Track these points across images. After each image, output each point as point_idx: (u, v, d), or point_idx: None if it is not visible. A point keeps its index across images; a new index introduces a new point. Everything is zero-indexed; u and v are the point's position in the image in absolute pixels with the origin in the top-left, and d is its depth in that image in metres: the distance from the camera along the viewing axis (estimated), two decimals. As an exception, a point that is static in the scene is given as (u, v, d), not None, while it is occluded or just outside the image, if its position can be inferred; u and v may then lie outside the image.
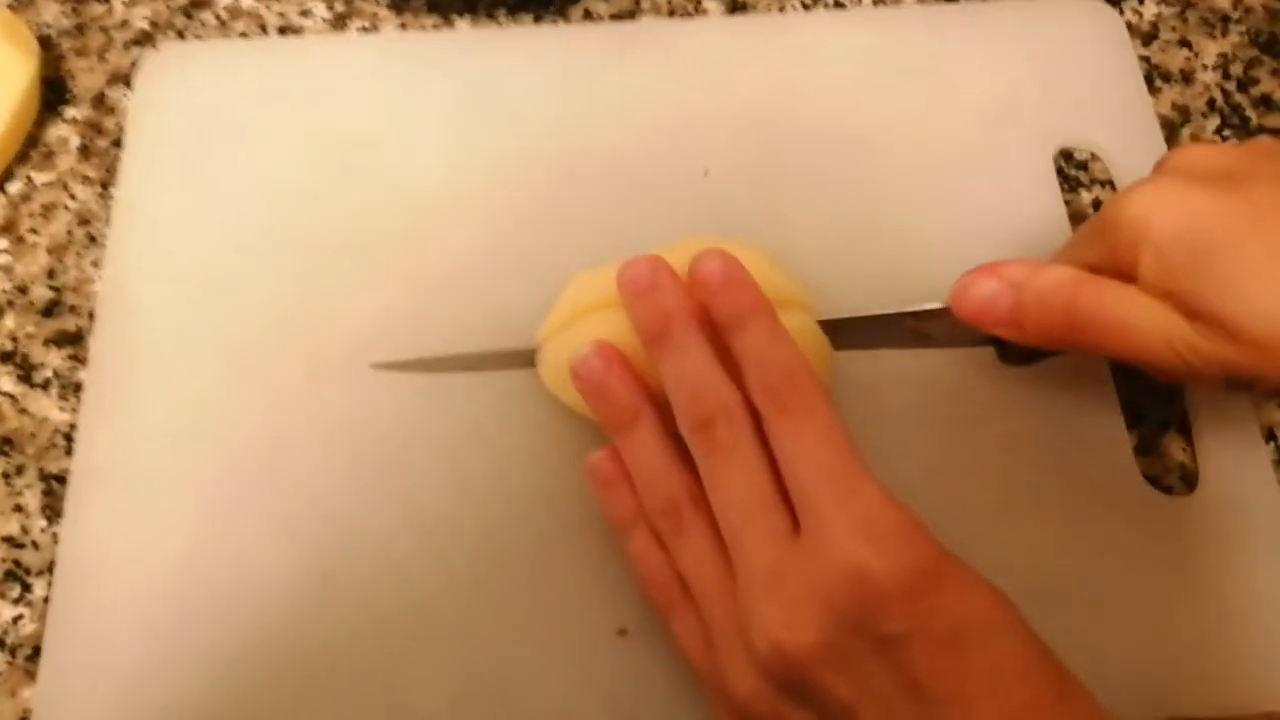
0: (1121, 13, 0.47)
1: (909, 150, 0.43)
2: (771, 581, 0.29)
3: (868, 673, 0.28)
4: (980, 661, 0.28)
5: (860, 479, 0.30)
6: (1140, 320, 0.32)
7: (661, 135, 0.43)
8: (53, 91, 0.46)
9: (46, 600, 0.36)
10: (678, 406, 0.32)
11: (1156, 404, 0.40)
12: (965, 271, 0.35)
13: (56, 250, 0.43)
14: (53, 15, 0.48)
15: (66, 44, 0.47)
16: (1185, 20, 0.48)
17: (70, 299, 0.42)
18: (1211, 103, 0.46)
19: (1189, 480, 0.38)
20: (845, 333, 0.37)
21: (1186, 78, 0.47)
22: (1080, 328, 0.33)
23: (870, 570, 0.28)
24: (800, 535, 0.30)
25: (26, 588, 0.37)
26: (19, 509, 0.38)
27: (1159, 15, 0.48)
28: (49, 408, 0.40)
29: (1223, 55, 0.47)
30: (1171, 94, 0.46)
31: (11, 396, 0.40)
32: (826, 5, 0.48)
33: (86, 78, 0.46)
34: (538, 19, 0.47)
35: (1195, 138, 0.45)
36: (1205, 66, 0.47)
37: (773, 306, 0.33)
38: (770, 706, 0.30)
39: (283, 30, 0.47)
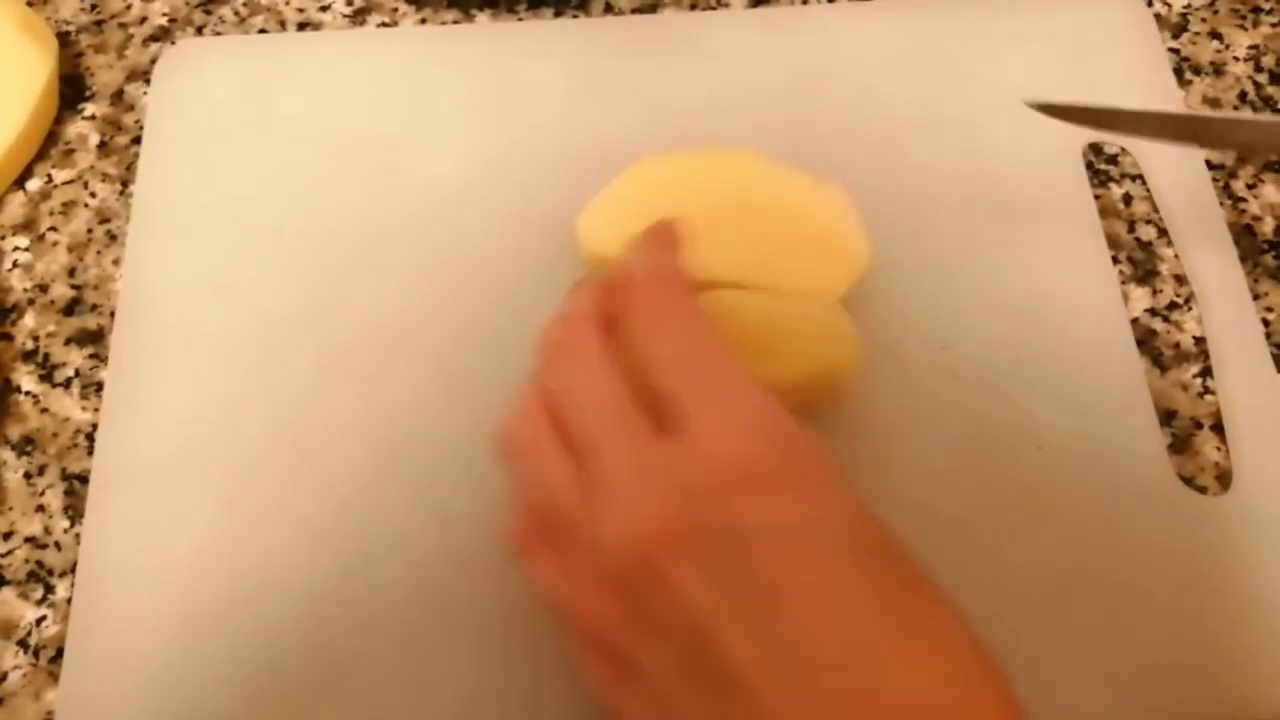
0: (1150, 4, 0.47)
1: (935, 144, 0.43)
2: (628, 479, 0.27)
3: (723, 572, 0.26)
4: (840, 578, 0.25)
5: (726, 370, 0.28)
6: None
7: (683, 129, 0.43)
8: (71, 88, 0.46)
9: (69, 601, 0.36)
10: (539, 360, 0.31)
11: (1190, 401, 0.39)
12: None
13: (77, 248, 0.42)
14: (71, 11, 0.47)
15: (85, 40, 0.47)
16: (1215, 11, 0.47)
17: (91, 297, 0.41)
18: (1243, 95, 0.45)
19: (1224, 480, 0.38)
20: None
21: (1217, 70, 0.46)
22: None
23: (729, 457, 0.26)
24: (662, 434, 0.28)
25: (49, 589, 0.37)
26: (41, 509, 0.38)
27: (1188, 7, 0.47)
28: (70, 407, 0.39)
29: (1254, 47, 0.46)
30: (1202, 86, 0.46)
31: (33, 396, 0.40)
32: (850, -2, 0.47)
33: (105, 74, 0.46)
34: (558, 13, 0.47)
35: (1227, 131, 0.44)
36: (1236, 59, 0.46)
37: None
38: (623, 634, 0.27)
39: (301, 25, 0.47)
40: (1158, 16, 0.46)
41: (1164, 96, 0.44)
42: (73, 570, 0.36)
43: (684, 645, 0.26)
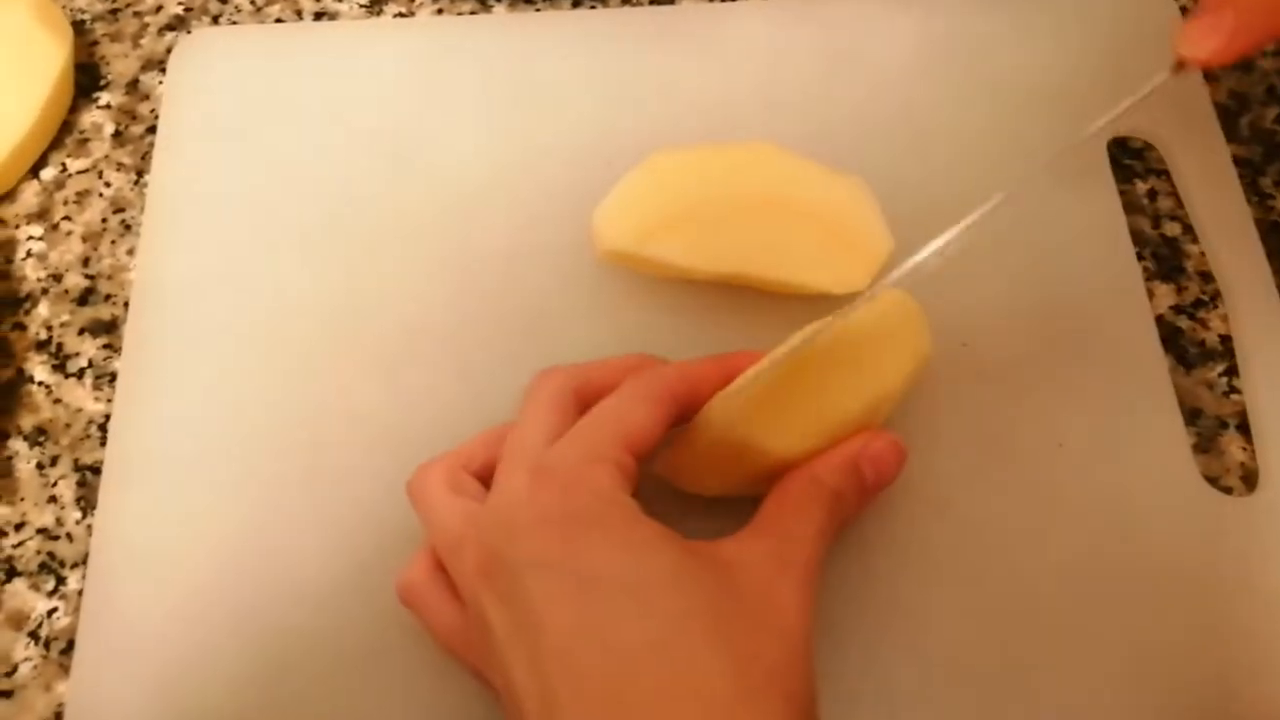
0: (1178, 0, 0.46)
1: (956, 138, 0.42)
2: (484, 509, 0.31)
3: (509, 602, 0.28)
4: (609, 622, 0.27)
5: (583, 433, 0.31)
6: None
7: (701, 121, 0.42)
8: (86, 77, 0.45)
9: (80, 593, 0.36)
10: None
11: (1215, 400, 0.38)
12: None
13: (91, 238, 0.42)
14: (86, 0, 0.47)
15: (100, 29, 0.47)
16: (1243, 5, 0.46)
17: (105, 287, 0.41)
18: (1271, 90, 0.45)
19: (1249, 480, 0.37)
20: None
21: (1244, 65, 0.45)
22: None
23: (517, 497, 0.30)
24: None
25: (61, 580, 0.36)
26: (53, 500, 0.38)
27: None
28: (84, 398, 0.39)
29: (1282, 41, 0.46)
30: (1229, 81, 0.45)
31: (46, 386, 0.39)
32: (871, -10, 0.47)
33: (120, 63, 0.46)
34: (576, 3, 0.47)
35: (1254, 126, 0.44)
36: (1264, 54, 0.45)
37: None
38: (483, 655, 0.30)
39: (318, 15, 0.47)
40: (1183, 9, 0.45)
41: (1191, 92, 0.43)
42: (84, 562, 0.36)
43: (501, 675, 0.29)
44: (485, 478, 0.33)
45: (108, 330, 0.40)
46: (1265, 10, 0.31)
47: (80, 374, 0.40)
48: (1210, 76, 0.44)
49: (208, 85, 0.44)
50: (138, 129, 0.44)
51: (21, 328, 0.40)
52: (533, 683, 0.27)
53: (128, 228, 0.42)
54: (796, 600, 0.29)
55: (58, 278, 0.41)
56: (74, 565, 0.37)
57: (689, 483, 0.34)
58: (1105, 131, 0.31)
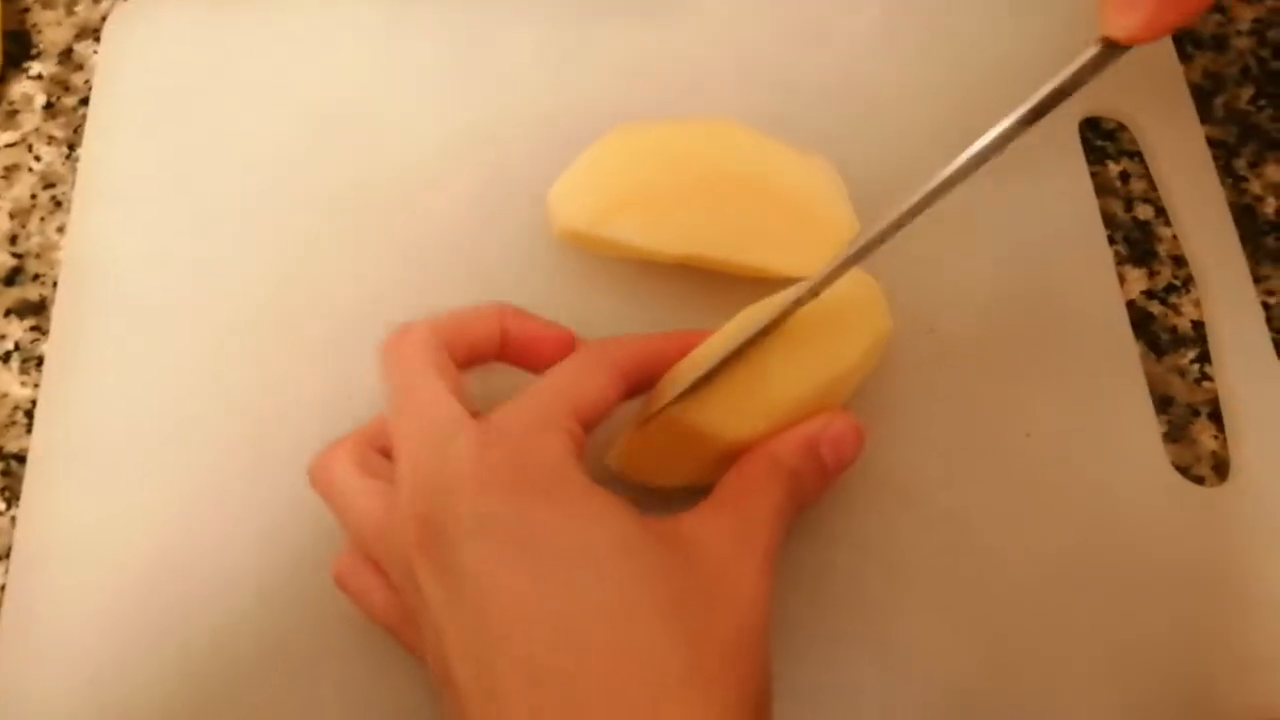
0: (1151, -26, 0.45)
1: (924, 116, 0.41)
2: (403, 481, 0.28)
3: (447, 575, 0.26)
4: (556, 592, 0.25)
5: (531, 399, 0.29)
6: None
7: (662, 98, 0.41)
8: (17, 45, 0.43)
9: (3, 589, 0.34)
10: None
11: (1187, 388, 0.37)
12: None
13: (19, 214, 0.40)
14: (17, -36, 0.45)
15: (32, -5, 0.44)
16: (1218, -17, 0.45)
17: (33, 266, 0.39)
18: (1245, 70, 0.44)
19: (1221, 470, 0.36)
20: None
21: (1219, 44, 0.44)
22: None
23: (461, 459, 0.27)
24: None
25: (-18, 574, 0.35)
26: (-25, 490, 0.36)
27: (1190, -22, 0.45)
28: (9, 382, 0.37)
29: (1258, 21, 0.45)
30: (1203, 61, 0.44)
31: (-31, 370, 0.38)
32: (839, -37, 0.45)
33: (53, 31, 0.44)
34: (533, -26, 0.45)
35: (1229, 107, 0.43)
36: (1239, 32, 0.44)
37: None
38: (418, 633, 0.28)
39: (262, -17, 0.45)
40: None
41: (1164, 71, 0.42)
42: (8, 555, 0.34)
43: (435, 652, 0.27)
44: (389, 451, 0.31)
45: (35, 312, 0.38)
46: None
47: (6, 358, 0.38)
48: (1184, 55, 0.43)
49: (145, 55, 0.42)
50: (70, 100, 0.42)
51: (-56, 309, 0.38)
52: (468, 658, 0.26)
53: (58, 204, 0.40)
54: (755, 582, 0.28)
55: (-17, 256, 0.39)
56: (-3, 559, 0.35)
57: (643, 475, 0.33)
58: (1028, 114, 0.29)
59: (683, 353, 0.32)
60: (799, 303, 0.31)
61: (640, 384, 0.32)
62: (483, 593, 0.26)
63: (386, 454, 0.31)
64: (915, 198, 0.29)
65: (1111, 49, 0.28)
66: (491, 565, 0.26)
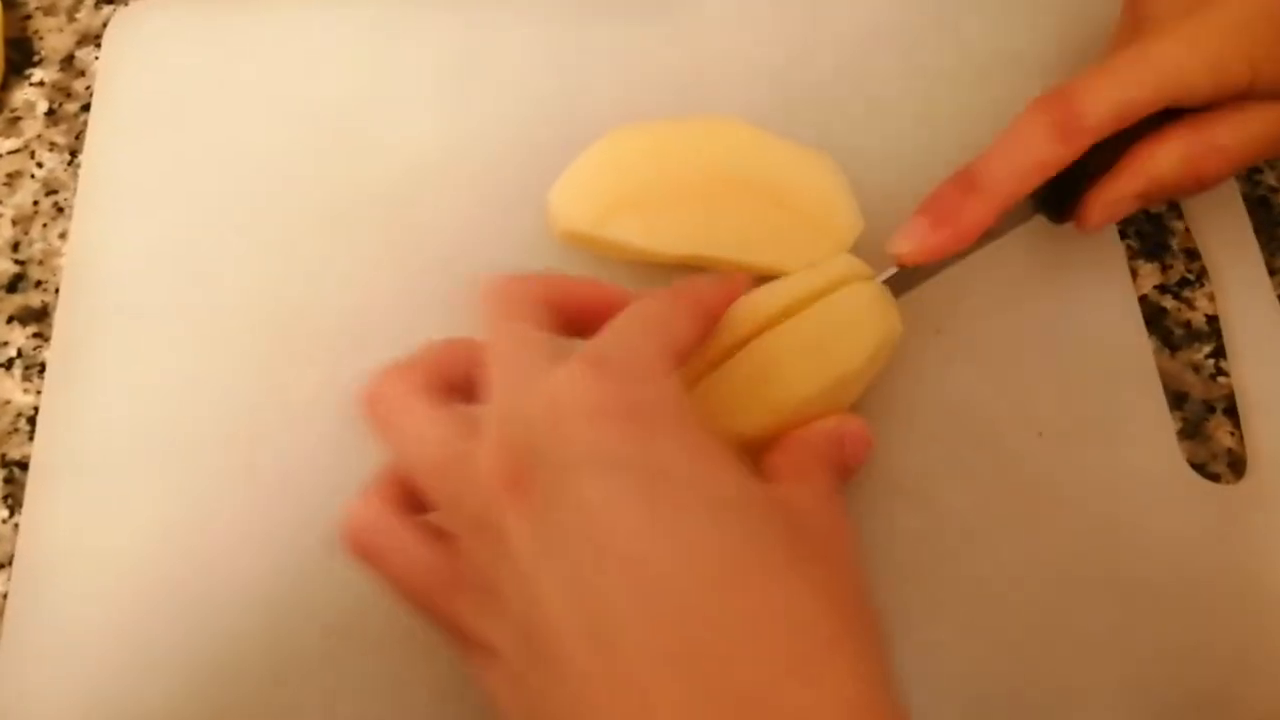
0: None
1: (929, 114, 0.40)
2: (494, 419, 0.26)
3: (552, 516, 0.23)
4: (688, 534, 0.23)
5: (632, 330, 0.27)
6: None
7: (663, 97, 0.40)
8: (19, 53, 0.43)
9: (5, 596, 0.34)
10: None
11: (1202, 384, 0.37)
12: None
13: (22, 221, 0.40)
14: (19, -28, 0.45)
15: (34, 2, 0.44)
16: (1229, -28, 0.45)
17: (36, 273, 0.39)
18: (1258, 60, 0.43)
19: (1237, 467, 0.35)
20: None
21: (1231, 34, 0.43)
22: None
23: (569, 387, 0.25)
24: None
25: (-15, 583, 0.35)
26: (-22, 498, 0.36)
27: (1201, -33, 0.45)
28: (12, 389, 0.37)
29: (1270, 10, 0.44)
30: (1215, 51, 0.43)
31: (-29, 378, 0.37)
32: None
33: (55, 38, 0.44)
34: (534, -26, 0.44)
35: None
36: (1251, 22, 0.44)
37: None
38: (473, 621, 0.26)
39: (263, -13, 0.44)
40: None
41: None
42: (11, 563, 0.34)
43: (520, 614, 0.24)
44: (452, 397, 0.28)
45: (38, 318, 0.38)
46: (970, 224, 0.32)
47: (9, 364, 0.38)
48: (1196, 46, 0.43)
49: (146, 61, 0.42)
50: (72, 107, 0.42)
51: (-53, 317, 0.38)
52: (575, 606, 0.23)
53: (60, 210, 0.40)
54: (853, 544, 0.26)
55: (-15, 263, 0.39)
56: (0, 566, 0.35)
57: None
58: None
59: (729, 298, 0.31)
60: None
61: (709, 328, 0.30)
62: (598, 528, 0.23)
63: (456, 392, 0.28)
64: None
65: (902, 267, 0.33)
66: (609, 495, 0.23)
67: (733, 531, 0.23)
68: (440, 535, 0.27)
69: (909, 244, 0.33)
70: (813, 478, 0.29)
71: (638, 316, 0.28)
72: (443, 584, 0.26)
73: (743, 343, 0.31)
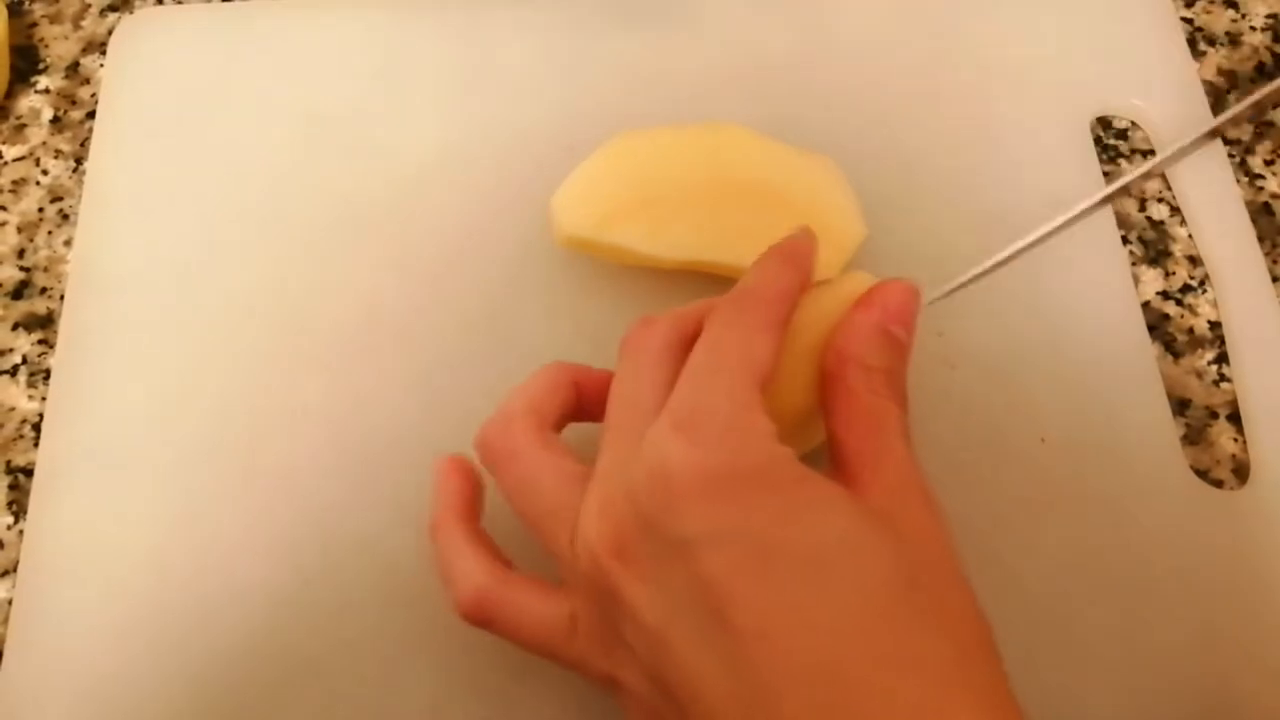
0: (1163, -29, 0.44)
1: (935, 120, 0.41)
2: (600, 478, 0.27)
3: (669, 587, 0.24)
4: (803, 597, 0.23)
5: (714, 376, 0.26)
6: None
7: (666, 103, 0.40)
8: (24, 60, 0.43)
9: (10, 602, 0.34)
10: None
11: (1205, 390, 0.37)
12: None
13: (27, 228, 0.40)
14: (25, -20, 0.45)
15: (39, 10, 0.45)
16: (1231, -21, 0.45)
17: (41, 280, 0.39)
18: (1260, 67, 0.43)
19: (1241, 473, 0.35)
20: None
21: (1233, 40, 0.43)
22: None
23: (669, 459, 0.25)
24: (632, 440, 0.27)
25: (-10, 588, 0.35)
26: (-17, 504, 0.36)
27: (1203, -26, 0.45)
28: (17, 396, 0.37)
29: (1272, 16, 0.44)
30: (1217, 58, 0.43)
31: (-24, 384, 0.38)
32: (846, -35, 0.45)
33: (60, 46, 0.44)
34: (538, -19, 0.45)
35: (1243, 104, 0.42)
36: (1253, 28, 0.44)
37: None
38: (605, 658, 0.26)
39: (267, -6, 0.45)
40: (1174, -12, 0.44)
41: (1177, 68, 0.42)
42: (15, 570, 0.34)
43: (650, 664, 0.25)
44: (556, 430, 0.29)
45: (43, 325, 0.38)
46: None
47: (13, 371, 0.38)
48: (1197, 52, 0.43)
49: (151, 68, 0.42)
50: (77, 114, 0.42)
51: (-48, 323, 0.39)
52: (723, 671, 0.23)
53: (65, 217, 0.40)
54: (938, 524, 0.26)
55: (-10, 270, 0.40)
56: (4, 573, 0.35)
57: None
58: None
59: (806, 280, 0.30)
60: None
61: (786, 326, 0.29)
62: (721, 603, 0.23)
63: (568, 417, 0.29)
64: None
65: None
66: (728, 573, 0.24)
67: (848, 586, 0.24)
68: (553, 588, 0.28)
69: None
70: (889, 449, 0.28)
71: (715, 351, 0.27)
72: (565, 636, 0.27)
73: None
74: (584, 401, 0.30)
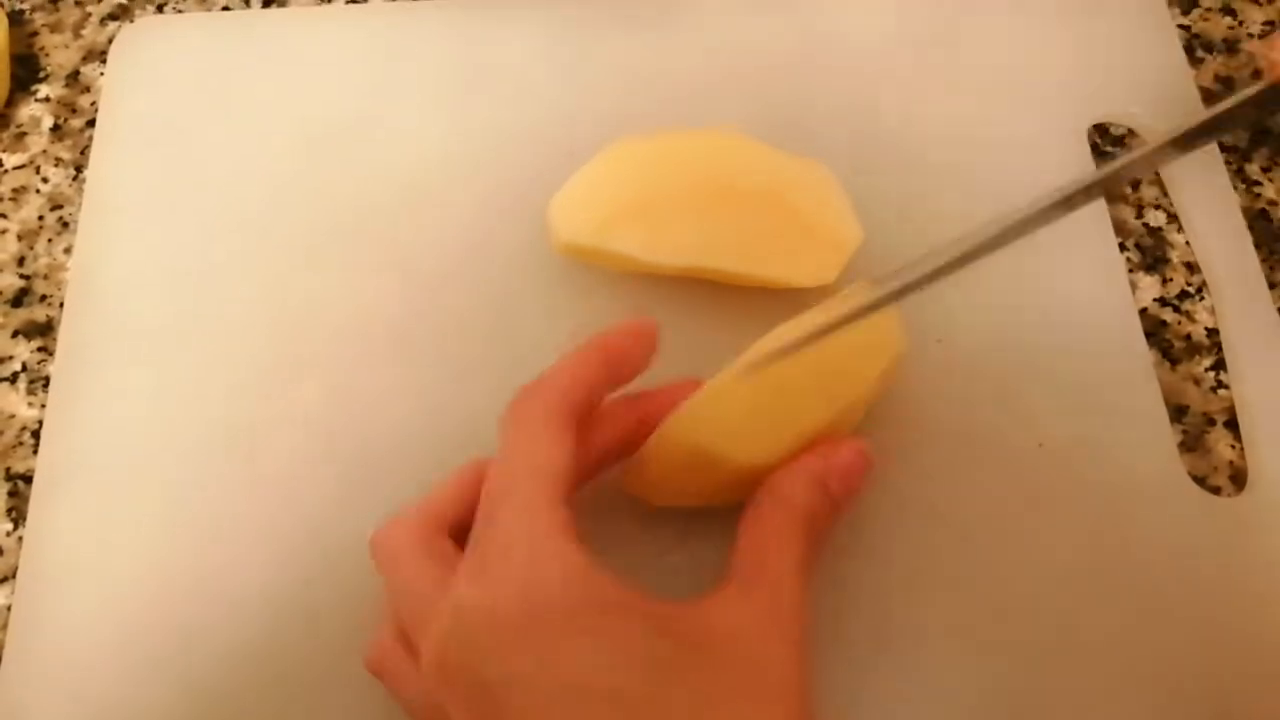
0: (1160, -22, 0.44)
1: (932, 126, 0.41)
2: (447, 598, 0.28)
3: (476, 706, 0.25)
4: None
5: (504, 501, 0.27)
6: None
7: (665, 108, 0.41)
8: (24, 69, 0.44)
9: (9, 609, 0.34)
10: None
11: (1202, 396, 0.37)
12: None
13: (27, 236, 0.40)
14: (25, -11, 0.45)
15: (40, 19, 0.45)
16: (1228, -14, 0.45)
17: (40, 287, 0.39)
18: (1257, 73, 0.43)
19: (1239, 479, 0.35)
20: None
21: (1230, 47, 0.44)
22: None
23: (463, 606, 0.26)
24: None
25: (-11, 596, 0.35)
26: (-18, 511, 0.36)
27: (1200, -19, 0.45)
28: (16, 403, 0.37)
29: (1269, 23, 0.44)
30: (1214, 65, 0.43)
31: (-24, 391, 0.38)
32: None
33: (60, 54, 0.44)
34: (536, -11, 0.45)
35: (1240, 111, 0.42)
36: (1251, 35, 0.44)
37: None
38: None
39: (267, 2, 0.45)
40: (1166, -11, 0.44)
41: (1174, 75, 0.42)
42: (14, 576, 0.34)
43: None
44: (458, 533, 0.30)
45: (42, 333, 0.39)
46: None
47: (13, 378, 0.38)
48: (1194, 59, 0.43)
49: (150, 76, 0.42)
50: (78, 122, 0.42)
51: (-48, 331, 0.39)
52: None
53: (65, 225, 0.40)
54: (793, 661, 0.27)
55: (-10, 278, 0.40)
56: (3, 579, 0.35)
57: (656, 497, 0.32)
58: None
59: (608, 370, 0.30)
60: (819, 334, 0.30)
61: (582, 419, 0.29)
62: None
63: (454, 533, 0.30)
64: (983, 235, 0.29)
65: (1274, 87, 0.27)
66: (521, 713, 0.25)
67: (639, 707, 0.25)
68: None
69: None
70: (777, 562, 0.28)
71: (505, 465, 0.28)
72: (436, 712, 0.28)
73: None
74: None
